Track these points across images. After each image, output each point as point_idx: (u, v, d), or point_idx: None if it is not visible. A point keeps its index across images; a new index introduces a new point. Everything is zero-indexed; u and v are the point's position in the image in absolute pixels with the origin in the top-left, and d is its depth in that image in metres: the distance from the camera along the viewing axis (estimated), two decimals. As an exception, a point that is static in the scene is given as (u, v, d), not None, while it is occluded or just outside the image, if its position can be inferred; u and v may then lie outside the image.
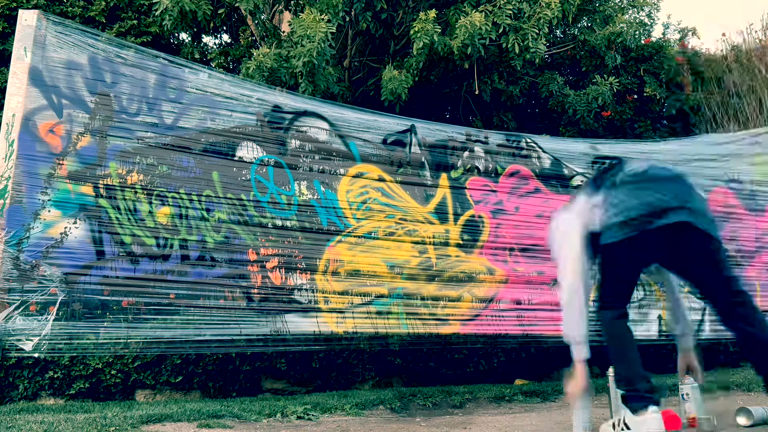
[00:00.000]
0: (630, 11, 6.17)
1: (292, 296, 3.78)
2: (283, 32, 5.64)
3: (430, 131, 4.51)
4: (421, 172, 4.38)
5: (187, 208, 3.66)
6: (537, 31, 5.30)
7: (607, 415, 3.72)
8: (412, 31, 5.16)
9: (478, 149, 4.60)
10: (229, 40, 6.97)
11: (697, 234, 2.70)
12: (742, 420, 3.15)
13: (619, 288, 3.07)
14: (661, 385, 4.55)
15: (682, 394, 3.37)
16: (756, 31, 7.61)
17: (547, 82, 6.60)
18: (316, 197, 4.02)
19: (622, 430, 2.81)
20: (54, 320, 3.19)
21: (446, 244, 4.27)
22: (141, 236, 3.51)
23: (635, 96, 7.25)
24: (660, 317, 4.67)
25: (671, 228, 2.67)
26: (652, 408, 2.68)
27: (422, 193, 4.33)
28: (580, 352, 3.06)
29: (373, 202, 4.16)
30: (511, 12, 5.30)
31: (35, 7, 5.41)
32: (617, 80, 6.39)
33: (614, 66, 6.46)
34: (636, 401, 2.74)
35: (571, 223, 3.02)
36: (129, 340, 3.45)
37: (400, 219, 4.20)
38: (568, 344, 3.18)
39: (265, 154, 3.95)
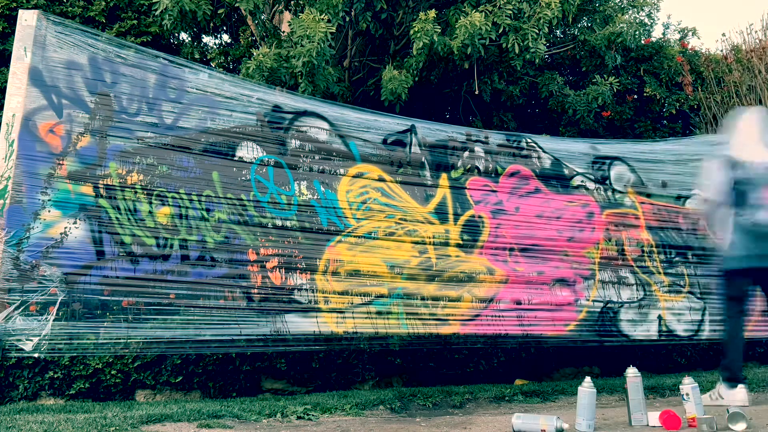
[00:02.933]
0: (630, 11, 6.17)
1: (292, 296, 3.78)
2: (283, 32, 5.64)
3: (430, 131, 4.51)
4: (421, 172, 4.38)
5: (187, 208, 3.66)
6: (537, 31, 5.30)
7: (608, 415, 3.72)
8: (412, 31, 5.15)
9: (478, 149, 4.60)
10: (229, 40, 6.96)
11: None
12: (739, 426, 3.11)
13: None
14: (662, 385, 4.53)
15: (683, 395, 3.37)
16: (756, 31, 7.61)
17: (547, 82, 6.60)
18: (316, 197, 4.02)
19: (718, 398, 3.86)
20: (54, 320, 3.19)
21: (446, 244, 4.27)
22: (141, 236, 3.51)
23: (635, 96, 7.25)
24: (660, 317, 4.68)
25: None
26: (741, 385, 3.83)
27: (422, 193, 4.33)
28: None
29: (373, 202, 4.16)
30: (511, 12, 5.30)
31: (35, 7, 5.41)
32: (617, 80, 6.39)
33: (614, 66, 6.45)
34: (732, 381, 3.85)
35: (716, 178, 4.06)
36: (129, 340, 3.45)
37: (400, 219, 4.20)
38: None
39: (265, 154, 3.95)
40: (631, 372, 3.38)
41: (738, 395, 3.79)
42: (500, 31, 5.31)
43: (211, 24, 5.73)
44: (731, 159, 4.03)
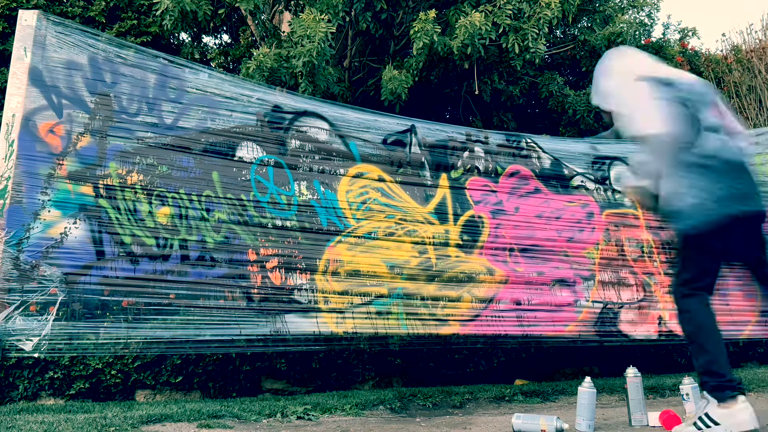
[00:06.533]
0: (630, 11, 6.17)
1: (292, 296, 3.78)
2: (283, 32, 5.64)
3: (430, 131, 4.51)
4: (421, 172, 4.38)
5: (187, 208, 3.66)
6: (537, 31, 5.30)
7: (608, 414, 3.72)
8: (412, 31, 5.16)
9: (478, 149, 4.60)
10: (229, 40, 6.97)
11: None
12: None
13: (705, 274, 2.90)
14: (662, 385, 4.52)
15: (683, 395, 3.37)
16: (756, 31, 7.61)
17: (547, 82, 6.60)
18: (316, 197, 4.02)
19: (708, 426, 2.62)
20: (54, 320, 3.19)
21: (446, 244, 4.27)
22: (141, 236, 3.50)
23: (635, 96, 7.24)
24: (660, 318, 4.67)
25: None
26: (741, 398, 2.59)
27: (422, 194, 4.33)
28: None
29: (373, 203, 4.16)
30: (511, 12, 5.30)
31: (35, 7, 5.41)
32: (617, 80, 6.38)
33: (614, 66, 6.45)
34: (721, 391, 2.62)
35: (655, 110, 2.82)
36: (129, 340, 3.45)
37: (400, 219, 4.19)
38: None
39: (265, 154, 3.95)
40: (631, 372, 3.38)
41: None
42: (500, 31, 5.31)
43: (212, 24, 5.73)
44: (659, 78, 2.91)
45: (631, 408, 3.34)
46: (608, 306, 4.56)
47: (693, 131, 2.81)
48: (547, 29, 5.37)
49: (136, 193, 3.54)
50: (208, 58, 6.44)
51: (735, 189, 2.76)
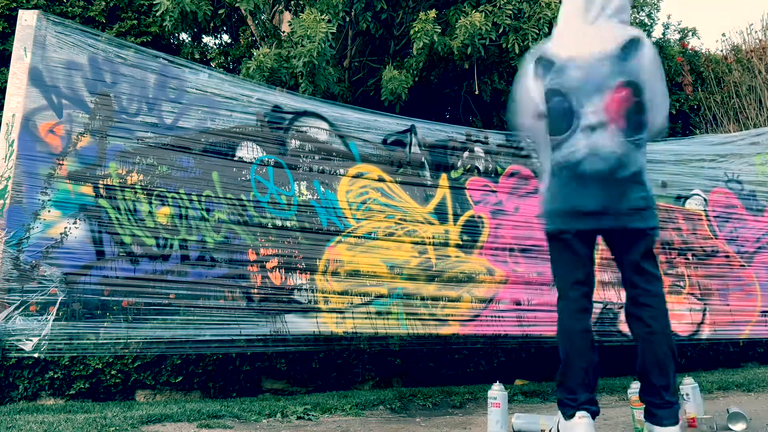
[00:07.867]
0: (630, 11, 6.17)
1: (292, 296, 3.78)
2: (284, 32, 5.64)
3: (430, 131, 4.51)
4: (421, 173, 4.38)
5: (187, 208, 3.66)
6: (537, 31, 5.30)
7: (609, 415, 3.72)
8: (412, 31, 5.16)
9: (478, 149, 4.60)
10: (229, 41, 6.97)
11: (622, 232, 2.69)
12: (739, 426, 3.09)
13: (568, 272, 2.84)
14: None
15: (683, 395, 3.36)
16: (756, 31, 7.61)
17: (547, 82, 6.59)
18: (316, 197, 4.02)
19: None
20: (54, 320, 3.19)
21: (446, 244, 4.27)
22: (141, 236, 3.51)
23: (635, 96, 7.25)
24: (660, 317, 4.67)
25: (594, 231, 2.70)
26: (579, 413, 2.66)
27: (422, 194, 4.33)
28: None
29: (373, 203, 4.16)
30: (511, 12, 5.30)
31: (35, 7, 5.41)
32: (617, 80, 6.38)
33: (614, 66, 6.45)
34: (566, 407, 2.74)
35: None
36: (129, 340, 3.45)
37: (400, 219, 4.19)
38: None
39: (265, 154, 3.95)
40: (496, 387, 3.06)
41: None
42: (500, 31, 5.32)
43: (212, 24, 5.73)
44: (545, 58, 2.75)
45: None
46: (608, 306, 4.56)
47: (564, 127, 2.55)
48: (547, 29, 5.37)
49: (136, 193, 3.54)
50: (208, 58, 6.44)
51: (573, 205, 2.57)
